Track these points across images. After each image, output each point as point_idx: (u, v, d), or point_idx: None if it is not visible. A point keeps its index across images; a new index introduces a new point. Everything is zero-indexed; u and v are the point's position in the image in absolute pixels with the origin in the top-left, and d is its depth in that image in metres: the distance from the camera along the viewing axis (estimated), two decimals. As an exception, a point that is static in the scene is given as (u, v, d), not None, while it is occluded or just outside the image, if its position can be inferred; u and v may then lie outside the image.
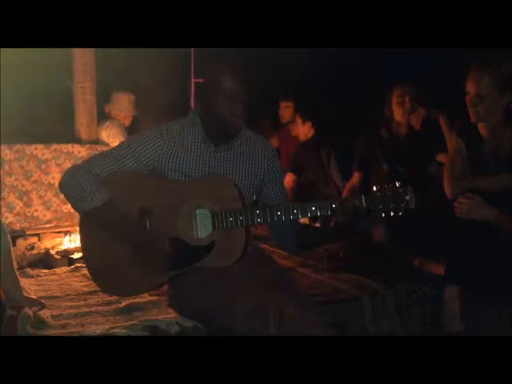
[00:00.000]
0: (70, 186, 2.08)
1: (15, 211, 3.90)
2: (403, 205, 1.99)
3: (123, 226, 2.09)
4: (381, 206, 2.00)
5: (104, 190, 2.07)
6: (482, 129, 2.58)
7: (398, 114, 3.53)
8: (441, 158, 3.39)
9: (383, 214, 2.00)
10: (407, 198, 1.98)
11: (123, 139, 4.05)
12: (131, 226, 2.09)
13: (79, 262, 3.21)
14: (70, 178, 2.10)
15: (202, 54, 4.40)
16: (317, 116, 4.40)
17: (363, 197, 2.01)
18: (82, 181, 2.06)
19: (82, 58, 4.26)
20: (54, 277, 3.00)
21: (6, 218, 3.80)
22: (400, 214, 1.99)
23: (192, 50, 4.60)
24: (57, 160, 4.02)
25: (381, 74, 3.78)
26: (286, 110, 4.76)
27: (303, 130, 4.48)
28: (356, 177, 3.73)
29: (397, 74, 3.66)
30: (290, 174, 4.38)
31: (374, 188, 2.01)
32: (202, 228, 2.08)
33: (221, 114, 2.10)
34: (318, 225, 3.48)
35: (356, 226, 3.25)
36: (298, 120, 4.48)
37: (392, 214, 2.00)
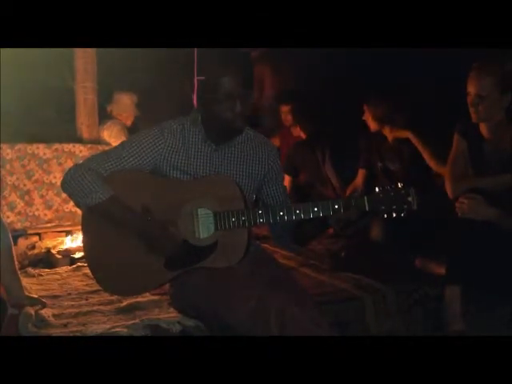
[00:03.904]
0: (73, 184, 2.07)
1: (16, 210, 3.91)
2: (405, 206, 1.99)
3: (128, 221, 2.08)
4: (383, 207, 2.00)
5: (108, 186, 2.06)
6: (483, 129, 2.58)
7: (373, 127, 3.55)
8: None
9: (385, 215, 2.00)
10: (409, 199, 1.99)
11: (125, 139, 4.05)
12: (135, 220, 2.08)
13: (80, 262, 3.22)
14: (73, 176, 2.08)
15: (206, 52, 4.39)
16: (309, 119, 4.36)
17: (366, 198, 2.01)
18: (86, 177, 2.05)
19: (84, 58, 4.27)
20: (55, 276, 3.01)
21: (8, 217, 3.80)
22: (402, 215, 2.00)
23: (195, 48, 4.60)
24: (58, 159, 4.02)
25: (381, 74, 3.77)
26: (286, 114, 4.71)
27: (300, 132, 4.49)
28: (360, 175, 3.74)
29: (397, 75, 3.66)
30: (286, 175, 4.33)
31: (377, 189, 2.01)
32: (204, 228, 2.08)
33: (221, 115, 2.08)
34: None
35: (357, 225, 3.23)
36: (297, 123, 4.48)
37: (394, 215, 2.00)
